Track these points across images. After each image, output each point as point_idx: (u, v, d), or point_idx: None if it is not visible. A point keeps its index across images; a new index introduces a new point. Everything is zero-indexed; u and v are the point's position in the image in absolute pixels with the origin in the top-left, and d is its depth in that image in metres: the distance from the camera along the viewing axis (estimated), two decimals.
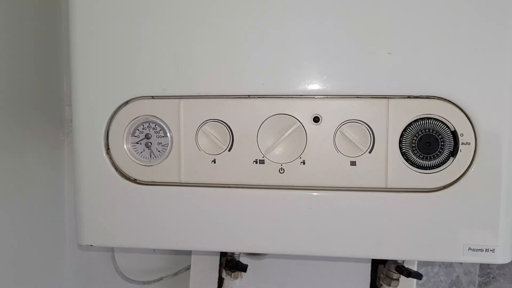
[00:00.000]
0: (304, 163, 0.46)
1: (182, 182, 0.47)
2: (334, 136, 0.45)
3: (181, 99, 0.47)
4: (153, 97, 0.47)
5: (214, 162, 0.47)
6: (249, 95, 0.46)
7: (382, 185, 0.45)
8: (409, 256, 0.47)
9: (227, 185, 0.47)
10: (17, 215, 0.64)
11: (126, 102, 0.48)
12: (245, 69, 0.45)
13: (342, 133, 0.45)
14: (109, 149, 0.49)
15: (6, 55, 0.60)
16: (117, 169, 0.49)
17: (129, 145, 0.48)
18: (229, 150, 0.46)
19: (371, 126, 0.44)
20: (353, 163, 0.45)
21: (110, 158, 0.49)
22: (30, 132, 0.66)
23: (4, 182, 0.61)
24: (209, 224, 0.47)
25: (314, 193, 0.46)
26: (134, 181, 0.49)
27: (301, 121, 0.45)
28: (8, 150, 0.61)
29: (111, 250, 0.73)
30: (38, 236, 0.68)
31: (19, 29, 0.63)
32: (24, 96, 0.64)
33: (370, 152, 0.45)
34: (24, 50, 0.64)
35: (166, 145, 0.48)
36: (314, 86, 0.44)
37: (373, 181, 0.45)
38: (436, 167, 0.44)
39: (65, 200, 0.75)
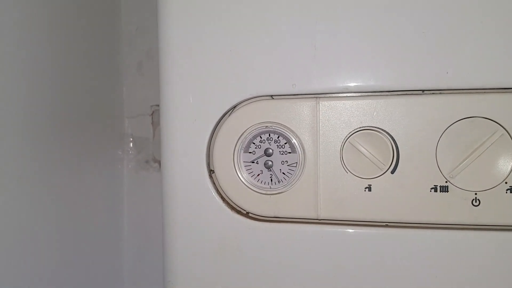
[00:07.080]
0: (511, 191, 0.30)
1: (321, 218, 0.33)
2: None
3: (319, 99, 0.32)
4: (272, 97, 0.34)
5: (369, 190, 0.32)
6: (423, 90, 0.31)
7: None
8: None
9: (390, 224, 0.32)
10: (68, 246, 0.51)
11: (234, 106, 0.34)
12: (417, 55, 0.30)
13: None
14: (213, 171, 0.35)
15: (58, 61, 0.48)
16: (223, 198, 0.35)
17: (241, 166, 0.35)
18: (392, 172, 0.32)
19: None
20: None
21: (214, 184, 0.35)
22: (83, 150, 0.53)
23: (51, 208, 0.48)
24: (363, 280, 0.33)
25: None
26: (247, 215, 0.35)
27: (505, 127, 0.30)
28: (58, 173, 0.49)
29: None
30: (90, 277, 0.55)
31: (72, 29, 0.52)
32: (77, 108, 0.52)
33: None
34: (78, 54, 0.52)
35: (294, 164, 0.33)
36: None
37: None
38: None
39: (124, 233, 0.63)
